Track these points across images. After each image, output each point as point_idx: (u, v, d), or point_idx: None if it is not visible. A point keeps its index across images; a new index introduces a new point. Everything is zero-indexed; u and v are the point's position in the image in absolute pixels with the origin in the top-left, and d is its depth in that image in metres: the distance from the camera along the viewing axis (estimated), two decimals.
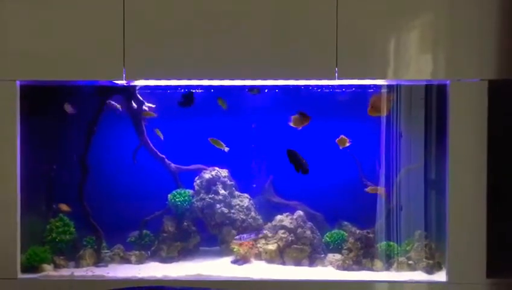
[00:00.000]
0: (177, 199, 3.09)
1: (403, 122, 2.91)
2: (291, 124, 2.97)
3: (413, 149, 2.94)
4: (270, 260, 3.01)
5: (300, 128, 2.96)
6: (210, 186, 3.14)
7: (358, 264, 2.89)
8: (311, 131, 3.01)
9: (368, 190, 3.04)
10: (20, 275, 2.73)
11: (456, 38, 2.62)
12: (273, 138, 3.17)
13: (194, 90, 3.04)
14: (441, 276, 2.74)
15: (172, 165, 3.19)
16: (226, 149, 3.08)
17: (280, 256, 3.01)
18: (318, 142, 3.08)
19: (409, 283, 2.72)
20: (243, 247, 3.00)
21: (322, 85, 3.01)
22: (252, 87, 3.08)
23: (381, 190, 2.98)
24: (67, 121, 3.11)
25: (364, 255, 2.90)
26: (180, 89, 3.07)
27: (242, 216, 3.13)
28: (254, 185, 3.23)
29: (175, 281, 2.72)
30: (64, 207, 3.07)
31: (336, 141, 3.02)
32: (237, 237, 3.00)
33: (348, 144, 3.01)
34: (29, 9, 2.68)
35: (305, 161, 2.82)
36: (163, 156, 3.18)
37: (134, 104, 3.11)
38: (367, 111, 2.94)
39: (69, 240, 3.02)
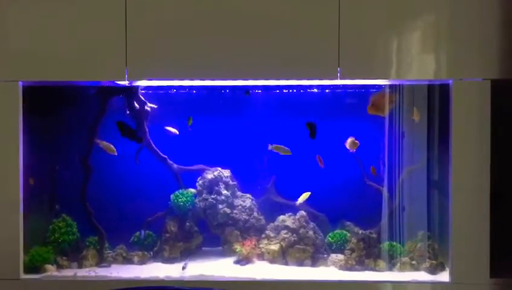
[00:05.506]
0: (179, 200, 3.09)
1: (405, 123, 2.90)
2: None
3: (416, 149, 2.94)
4: (273, 260, 3.00)
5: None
6: (212, 186, 3.14)
7: (361, 265, 2.88)
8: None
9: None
10: (23, 276, 2.73)
11: (458, 38, 2.61)
12: (276, 138, 3.17)
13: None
14: (444, 276, 2.73)
15: (175, 165, 3.19)
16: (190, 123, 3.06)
17: (283, 256, 3.01)
18: (321, 142, 3.07)
19: (412, 283, 2.71)
20: (246, 247, 3.00)
21: (324, 85, 3.01)
22: (247, 89, 3.08)
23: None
24: (70, 121, 3.11)
25: (367, 256, 2.89)
26: (184, 89, 3.08)
27: (244, 216, 3.12)
28: (259, 187, 3.22)
29: (177, 281, 2.73)
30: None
31: (346, 145, 3.01)
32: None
33: (355, 148, 3.01)
34: (31, 9, 2.68)
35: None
36: (166, 156, 3.17)
37: (136, 104, 3.11)
38: (366, 109, 2.94)
39: (71, 240, 3.02)
